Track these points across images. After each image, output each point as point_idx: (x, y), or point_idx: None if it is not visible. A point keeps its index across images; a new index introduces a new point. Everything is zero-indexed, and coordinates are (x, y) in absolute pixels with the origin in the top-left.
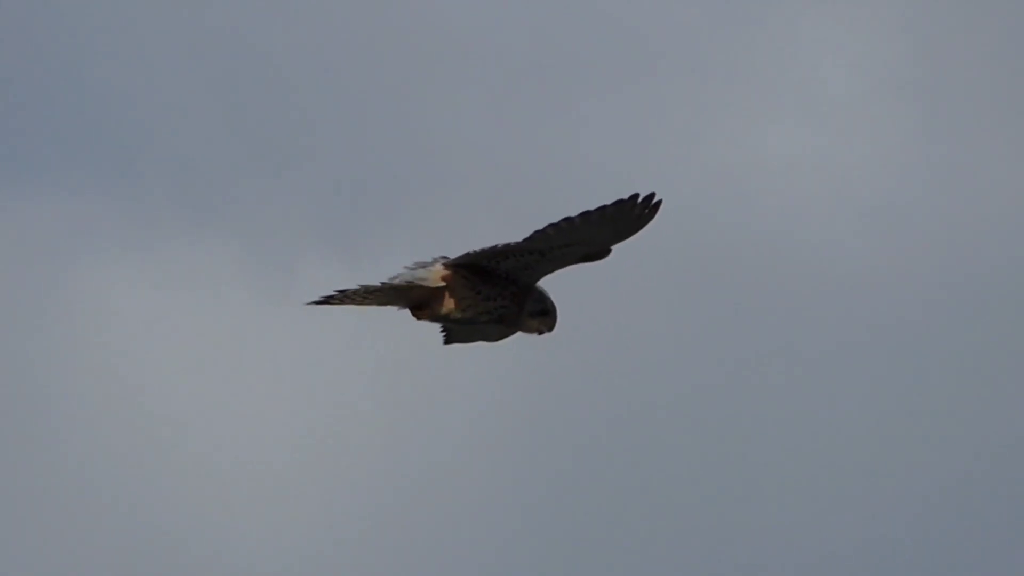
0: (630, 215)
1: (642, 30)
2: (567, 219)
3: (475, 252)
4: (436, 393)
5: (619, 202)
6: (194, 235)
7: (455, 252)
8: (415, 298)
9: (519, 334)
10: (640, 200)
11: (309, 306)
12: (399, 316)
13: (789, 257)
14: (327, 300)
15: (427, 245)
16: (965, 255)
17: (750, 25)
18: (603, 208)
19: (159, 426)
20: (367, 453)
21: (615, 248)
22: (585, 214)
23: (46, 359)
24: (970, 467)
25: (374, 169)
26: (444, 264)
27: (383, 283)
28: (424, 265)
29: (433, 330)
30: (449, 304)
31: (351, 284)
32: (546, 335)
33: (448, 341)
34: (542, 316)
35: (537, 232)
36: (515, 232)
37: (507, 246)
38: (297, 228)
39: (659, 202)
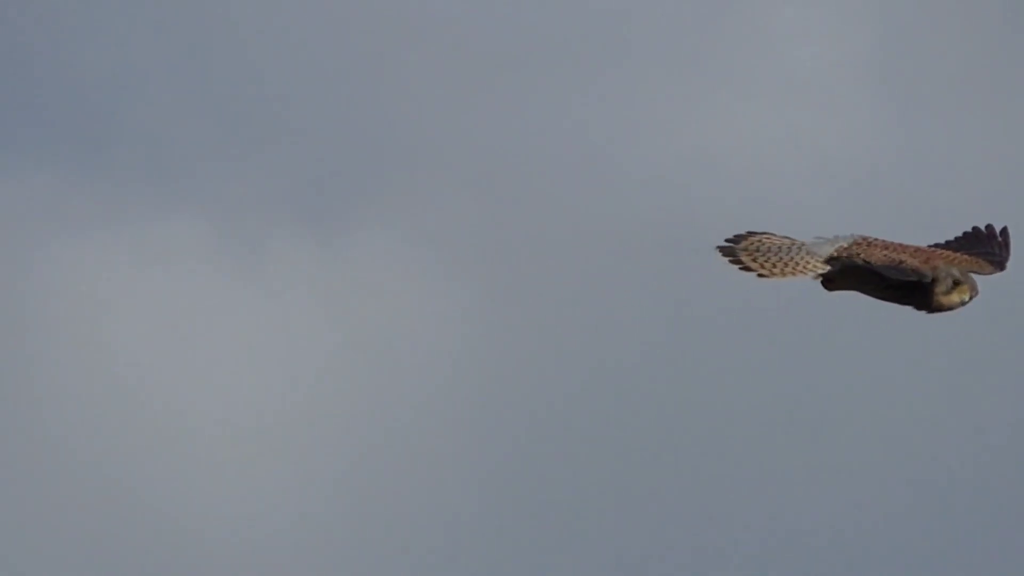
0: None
1: (619, 13)
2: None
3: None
4: (401, 368)
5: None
6: (163, 212)
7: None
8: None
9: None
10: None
11: (719, 253)
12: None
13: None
14: (733, 244)
15: (396, 223)
16: (934, 227)
17: (726, 8)
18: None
19: (128, 400)
20: (332, 426)
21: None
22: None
23: (14, 334)
24: (965, 445)
25: (343, 148)
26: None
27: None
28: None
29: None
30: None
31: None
32: (974, 299)
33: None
34: (957, 287)
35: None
36: (487, 209)
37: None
38: (266, 206)
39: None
